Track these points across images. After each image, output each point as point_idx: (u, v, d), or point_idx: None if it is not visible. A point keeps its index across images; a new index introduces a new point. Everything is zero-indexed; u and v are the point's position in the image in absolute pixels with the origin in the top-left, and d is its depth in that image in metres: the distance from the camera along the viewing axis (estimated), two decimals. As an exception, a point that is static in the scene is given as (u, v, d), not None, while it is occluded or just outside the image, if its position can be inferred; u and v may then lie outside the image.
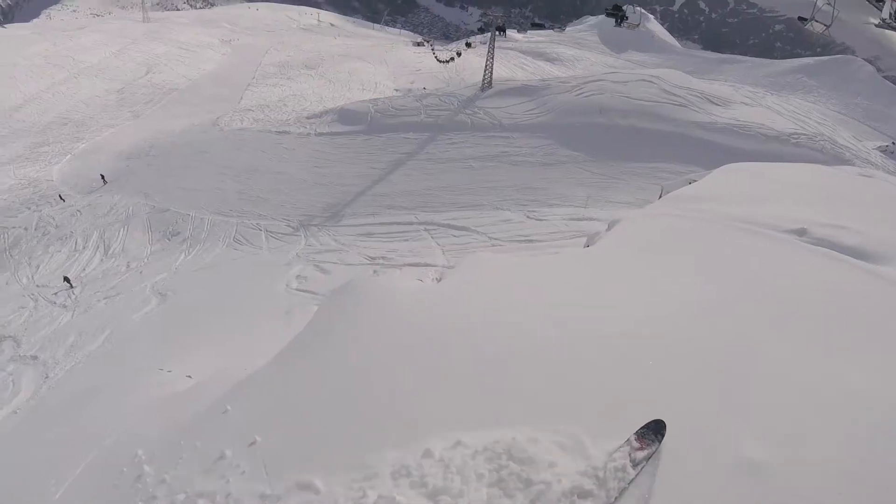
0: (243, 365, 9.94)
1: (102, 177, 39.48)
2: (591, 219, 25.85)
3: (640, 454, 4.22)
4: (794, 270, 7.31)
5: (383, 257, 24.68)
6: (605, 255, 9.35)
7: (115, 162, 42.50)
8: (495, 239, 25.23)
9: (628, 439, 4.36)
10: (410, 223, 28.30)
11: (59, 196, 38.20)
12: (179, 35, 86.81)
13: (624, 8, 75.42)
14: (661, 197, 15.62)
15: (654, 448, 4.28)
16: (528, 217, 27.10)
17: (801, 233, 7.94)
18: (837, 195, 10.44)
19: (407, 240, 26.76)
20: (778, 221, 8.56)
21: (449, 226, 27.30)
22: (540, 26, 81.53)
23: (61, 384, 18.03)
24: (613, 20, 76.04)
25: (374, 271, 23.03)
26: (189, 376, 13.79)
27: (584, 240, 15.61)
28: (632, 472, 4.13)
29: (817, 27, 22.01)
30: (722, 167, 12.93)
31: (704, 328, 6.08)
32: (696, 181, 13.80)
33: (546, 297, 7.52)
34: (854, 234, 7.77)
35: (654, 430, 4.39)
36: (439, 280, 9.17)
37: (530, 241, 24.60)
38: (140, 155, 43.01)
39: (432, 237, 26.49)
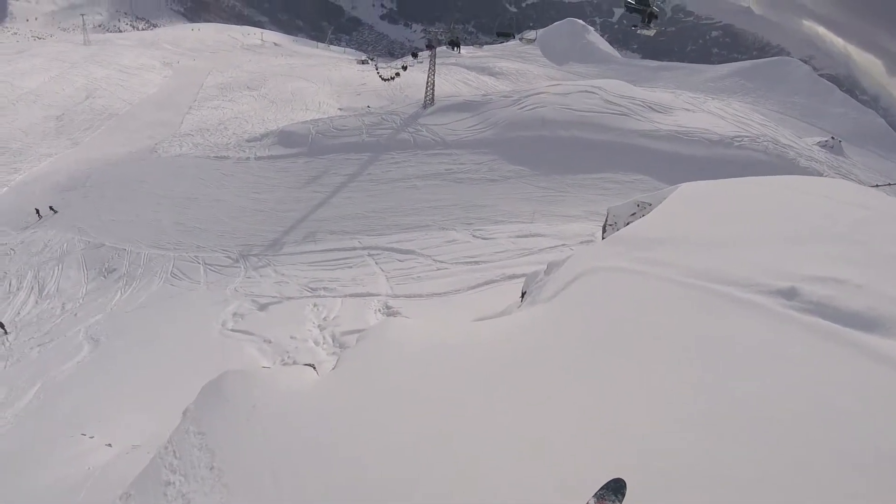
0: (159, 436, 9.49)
1: (37, 211, 37.95)
2: (538, 234, 25.79)
3: None
4: (787, 379, 5.13)
5: (325, 288, 24.06)
6: (535, 345, 7.18)
7: (51, 195, 40.84)
8: (440, 262, 24.82)
9: (587, 503, 4.18)
10: (354, 248, 27.73)
11: (44, 211, 37.77)
12: (120, 58, 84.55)
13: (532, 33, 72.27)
14: (607, 221, 15.11)
15: None
16: (473, 236, 26.79)
17: (789, 295, 6.24)
18: (818, 221, 8.40)
19: (350, 266, 26.14)
20: (759, 276, 6.69)
21: (393, 249, 26.81)
22: (507, 35, 78.66)
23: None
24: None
25: (315, 304, 22.43)
26: (109, 444, 14.00)
27: (525, 268, 14.99)
28: None
29: (649, 31, 22.19)
30: (676, 190, 11.28)
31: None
32: (646, 203, 12.89)
33: (444, 418, 5.93)
34: (854, 291, 5.99)
35: (613, 491, 4.18)
36: (334, 368, 7.98)
37: (476, 262, 24.28)
38: (76, 186, 41.57)
39: (376, 263, 25.94)
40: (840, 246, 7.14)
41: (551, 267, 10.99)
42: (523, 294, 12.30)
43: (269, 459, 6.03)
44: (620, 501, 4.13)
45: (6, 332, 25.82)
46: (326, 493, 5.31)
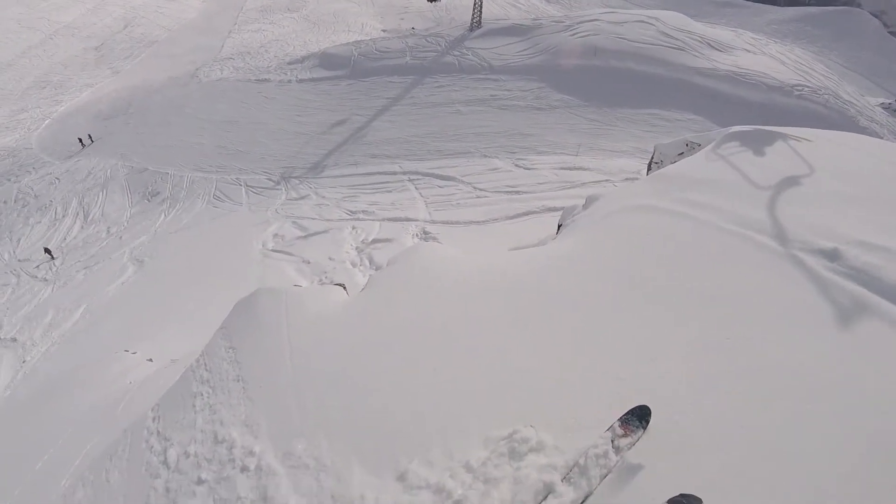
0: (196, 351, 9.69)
1: (80, 140, 38.54)
2: (581, 168, 24.87)
3: (624, 441, 4.03)
4: (822, 351, 4.61)
5: (364, 211, 23.79)
6: (562, 284, 6.74)
7: (93, 123, 41.46)
8: (481, 190, 24.19)
9: (612, 426, 4.15)
10: (394, 173, 27.23)
11: (85, 139, 38.80)
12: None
13: None
14: (653, 158, 14.27)
15: (638, 435, 4.08)
16: (516, 166, 25.94)
17: (832, 256, 5.75)
18: (873, 184, 7.49)
19: (390, 191, 25.73)
20: (802, 232, 6.14)
21: (434, 175, 26.21)
22: None
23: (36, 369, 18.22)
24: None
25: (353, 227, 22.20)
26: (150, 360, 14.38)
27: (566, 201, 14.32)
28: (614, 459, 3.96)
29: None
30: (726, 133, 10.37)
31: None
32: (695, 143, 12.05)
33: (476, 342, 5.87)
34: None
35: (638, 416, 4.16)
36: (363, 288, 7.87)
37: (517, 191, 23.55)
38: (118, 114, 42.02)
39: (416, 188, 25.43)
40: (893, 214, 6.36)
41: (589, 201, 10.30)
42: (560, 227, 11.68)
43: (294, 381, 6.06)
44: (644, 428, 4.10)
45: (53, 258, 26.55)
46: (347, 422, 5.29)
